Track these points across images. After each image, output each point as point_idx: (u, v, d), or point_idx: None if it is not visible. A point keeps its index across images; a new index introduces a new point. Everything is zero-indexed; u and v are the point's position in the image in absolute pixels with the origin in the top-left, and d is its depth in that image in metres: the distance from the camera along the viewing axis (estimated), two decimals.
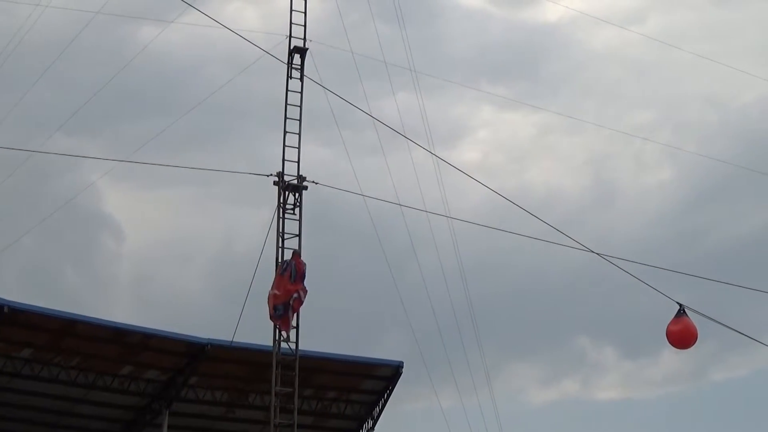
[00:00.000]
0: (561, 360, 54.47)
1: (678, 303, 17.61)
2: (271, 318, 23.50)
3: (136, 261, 51.55)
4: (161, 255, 51.25)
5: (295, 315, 23.66)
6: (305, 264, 23.72)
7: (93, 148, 44.16)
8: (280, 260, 24.00)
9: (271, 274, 23.85)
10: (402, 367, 30.22)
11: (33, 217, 35.43)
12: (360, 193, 24.15)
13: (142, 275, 50.97)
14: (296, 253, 23.89)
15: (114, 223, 50.77)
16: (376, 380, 30.75)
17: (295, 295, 23.48)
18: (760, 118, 54.61)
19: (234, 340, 24.91)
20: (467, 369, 26.89)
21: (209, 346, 27.08)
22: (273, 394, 23.38)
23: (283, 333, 23.73)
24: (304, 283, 23.52)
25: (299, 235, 24.31)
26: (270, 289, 23.46)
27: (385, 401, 31.31)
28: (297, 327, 23.87)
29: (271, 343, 23.90)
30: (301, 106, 24.69)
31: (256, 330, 25.30)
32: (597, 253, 19.01)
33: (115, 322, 27.08)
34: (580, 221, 53.28)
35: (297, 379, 23.59)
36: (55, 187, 42.53)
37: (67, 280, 47.01)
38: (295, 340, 23.90)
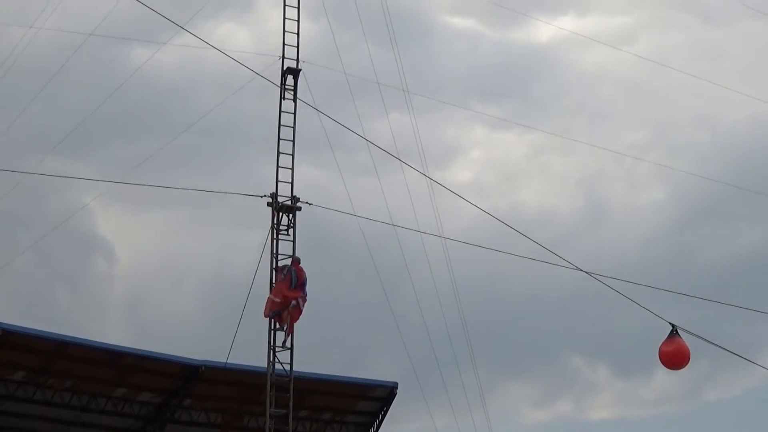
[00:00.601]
0: (554, 380, 54.46)
1: (671, 324, 17.67)
2: (265, 315, 23.53)
3: (128, 283, 51.48)
4: (154, 277, 51.18)
5: (293, 322, 23.58)
6: (305, 272, 23.74)
7: (85, 170, 44.10)
8: (274, 281, 23.99)
9: (264, 295, 23.87)
10: (397, 387, 30.17)
11: (25, 239, 35.30)
12: (353, 213, 24.28)
13: (135, 297, 50.86)
14: (296, 260, 23.92)
15: (106, 244, 50.68)
16: (371, 401, 30.69)
17: (294, 302, 23.53)
18: (750, 137, 55.02)
19: (228, 361, 24.71)
20: (461, 389, 26.97)
21: (203, 367, 27.02)
22: (267, 416, 23.39)
23: (278, 356, 23.80)
24: (305, 290, 23.56)
25: (293, 255, 24.24)
26: (269, 293, 23.59)
27: (380, 422, 31.23)
28: (291, 348, 23.87)
29: (266, 365, 23.85)
30: (294, 127, 24.80)
31: (250, 352, 25.44)
32: (587, 272, 19.08)
33: (108, 344, 27.01)
34: (573, 240, 53.44)
35: (291, 400, 23.61)
36: (47, 208, 42.50)
37: (59, 302, 46.93)
38: (289, 361, 23.91)
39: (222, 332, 27.76)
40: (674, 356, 17.90)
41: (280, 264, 24.09)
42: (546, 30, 56.65)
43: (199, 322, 49.56)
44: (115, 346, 27.13)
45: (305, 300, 23.60)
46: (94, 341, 26.87)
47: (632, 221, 56.71)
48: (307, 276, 23.77)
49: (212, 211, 49.04)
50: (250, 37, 46.12)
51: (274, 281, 23.84)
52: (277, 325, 23.79)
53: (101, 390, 27.18)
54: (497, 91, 56.13)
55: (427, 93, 28.82)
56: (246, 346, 24.85)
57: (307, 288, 23.95)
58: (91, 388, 27.01)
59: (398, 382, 30.16)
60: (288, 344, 23.83)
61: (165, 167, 29.31)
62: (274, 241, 24.25)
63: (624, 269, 20.61)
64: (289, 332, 23.82)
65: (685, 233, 56.08)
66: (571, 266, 19.51)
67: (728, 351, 19.23)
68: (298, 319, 23.67)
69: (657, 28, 58.81)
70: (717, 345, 18.66)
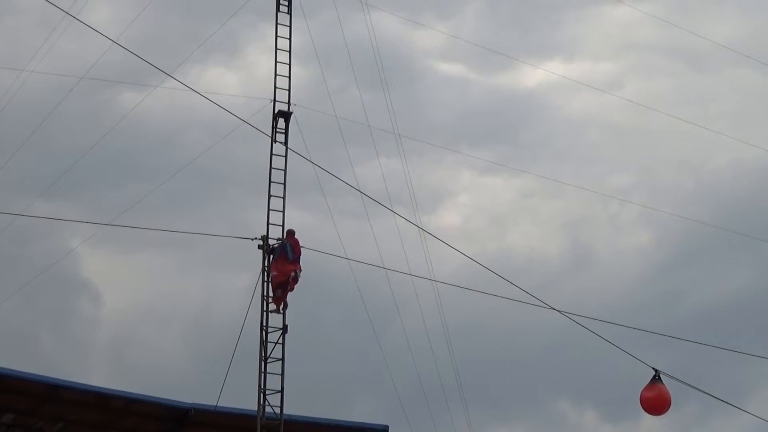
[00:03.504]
0: (542, 424, 54.51)
1: (653, 369, 17.84)
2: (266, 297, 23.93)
3: (114, 326, 51.63)
4: (141, 320, 51.26)
5: (286, 293, 24.00)
6: (300, 245, 24.13)
7: (73, 214, 44.41)
8: (265, 324, 24.22)
9: (255, 338, 24.07)
10: (387, 430, 29.69)
11: (12, 282, 35.31)
12: (345, 256, 24.52)
13: (121, 340, 50.96)
14: (291, 232, 24.20)
15: (93, 287, 50.77)
16: None
17: (293, 274, 23.85)
18: (734, 182, 55.98)
19: (218, 404, 24.82)
20: None
21: (193, 410, 26.72)
22: None
23: (268, 399, 23.79)
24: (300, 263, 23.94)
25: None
26: None
27: None
28: (282, 391, 24.00)
29: (256, 408, 23.95)
30: (285, 170, 25.05)
31: (239, 395, 25.43)
32: (568, 316, 19.29)
33: (98, 387, 26.87)
34: (559, 284, 53.89)
35: None
36: (34, 252, 42.63)
37: (44, 345, 46.95)
38: (279, 404, 24.02)
39: (210, 375, 27.92)
40: (655, 402, 18.09)
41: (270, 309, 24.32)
42: (533, 76, 57.82)
43: (187, 364, 49.64)
44: (105, 389, 26.93)
45: (301, 270, 23.97)
46: (83, 384, 26.71)
47: (617, 265, 57.40)
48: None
49: (199, 254, 49.47)
50: (238, 82, 46.83)
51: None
52: (272, 306, 24.10)
53: None
54: (485, 136, 57.10)
55: (416, 138, 29.11)
56: (236, 389, 24.90)
57: (296, 329, 24.46)
58: None
59: (389, 425, 29.77)
60: (281, 309, 24.09)
61: (153, 211, 29.62)
62: (265, 283, 24.37)
63: (610, 312, 20.82)
64: (285, 305, 24.14)
65: (670, 277, 56.70)
66: (553, 310, 19.85)
67: (714, 397, 19.41)
68: (294, 288, 24.00)
69: (643, 73, 59.92)
70: (702, 391, 18.81)
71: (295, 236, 24.42)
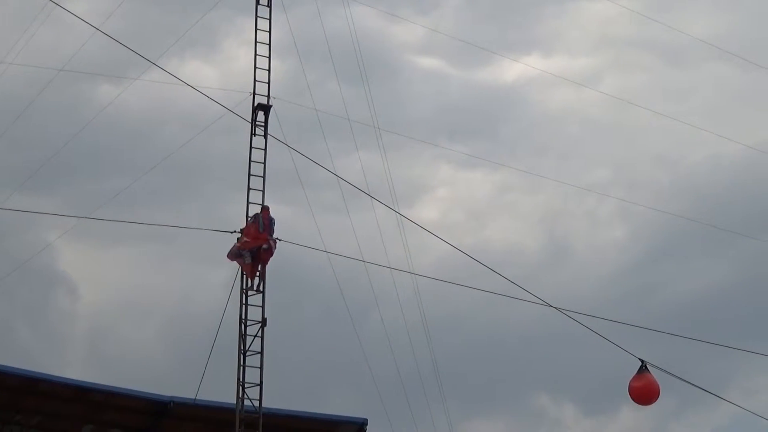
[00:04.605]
0: (521, 417, 54.88)
1: (640, 359, 18.05)
2: (228, 256, 24.07)
3: (92, 320, 51.60)
4: (118, 313, 51.15)
5: (264, 265, 24.18)
6: (273, 219, 24.36)
7: (50, 207, 44.28)
8: (244, 317, 24.33)
9: (234, 331, 24.20)
10: (366, 424, 29.75)
11: None
12: (324, 250, 24.54)
13: (99, 334, 50.94)
14: (265, 208, 24.44)
15: (70, 281, 50.68)
16: None
17: (265, 246, 23.98)
18: (709, 177, 56.60)
19: (197, 397, 24.89)
20: (431, 426, 27.20)
21: (172, 403, 26.71)
22: None
23: (247, 392, 23.84)
24: (274, 236, 24.12)
25: (263, 292, 24.60)
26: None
27: None
28: (261, 384, 24.09)
29: (235, 401, 24.02)
30: (265, 163, 25.09)
31: (218, 388, 25.49)
32: (557, 308, 19.36)
33: (76, 380, 26.73)
34: (536, 278, 54.12)
35: None
36: (10, 246, 42.47)
37: (21, 339, 46.75)
38: (258, 398, 24.10)
39: (189, 368, 27.92)
40: (644, 391, 18.30)
41: (249, 302, 24.43)
42: (512, 71, 58.33)
43: (166, 358, 49.74)
44: (84, 382, 26.83)
45: (276, 243, 24.10)
46: (63, 377, 26.69)
47: (595, 259, 57.93)
48: (274, 219, 24.44)
49: (178, 247, 49.46)
50: (216, 75, 46.94)
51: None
52: (249, 285, 24.30)
53: (69, 427, 26.86)
54: (464, 131, 57.21)
55: (395, 131, 29.26)
56: (215, 383, 25.02)
57: (275, 323, 24.58)
58: (59, 425, 26.69)
59: (368, 418, 29.83)
60: (260, 288, 24.27)
61: (131, 204, 29.55)
62: (244, 276, 24.44)
63: (587, 306, 20.95)
64: (262, 277, 24.32)
65: (646, 271, 57.18)
66: (541, 302, 19.89)
67: (697, 387, 19.56)
68: (268, 261, 24.17)
69: (621, 68, 60.39)
70: (685, 381, 18.99)
71: (269, 213, 24.56)
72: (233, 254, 24.30)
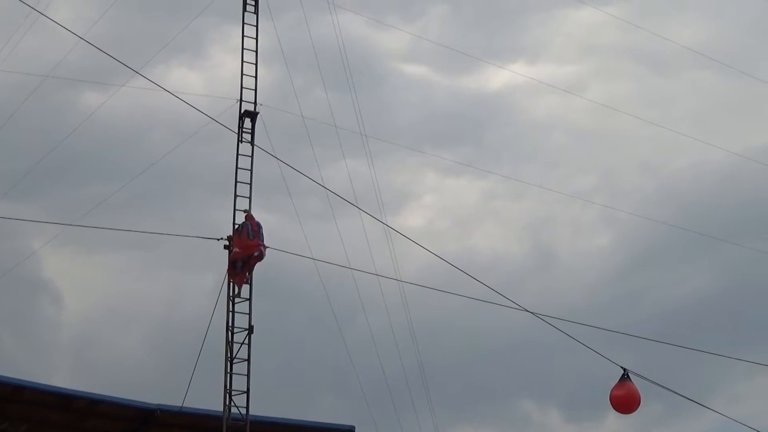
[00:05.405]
0: (507, 423, 55.23)
1: (622, 368, 18.08)
2: (229, 273, 24.29)
3: (77, 327, 51.78)
4: (104, 321, 51.29)
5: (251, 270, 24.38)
6: (260, 224, 24.47)
7: (35, 215, 44.11)
8: (231, 324, 24.44)
9: (221, 338, 24.28)
10: (354, 430, 29.84)
11: None
12: (311, 257, 24.67)
13: (84, 341, 51.07)
14: (250, 215, 24.60)
15: (54, 289, 50.77)
16: None
17: (257, 253, 24.17)
18: (693, 183, 57.33)
19: (184, 405, 24.94)
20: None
21: (159, 411, 26.76)
22: None
23: (234, 400, 23.99)
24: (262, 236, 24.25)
25: (250, 299, 24.78)
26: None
27: None
28: (248, 391, 24.20)
29: (221, 409, 24.10)
30: (251, 170, 25.25)
31: (205, 395, 25.60)
32: (537, 315, 19.53)
33: (62, 388, 26.84)
34: (522, 284, 54.82)
35: None
36: None
37: (6, 347, 46.74)
38: (245, 405, 24.16)
39: (176, 376, 28.03)
40: (625, 400, 18.28)
41: (236, 309, 24.56)
42: (498, 78, 58.85)
43: (152, 366, 49.78)
44: (71, 390, 26.93)
45: (266, 248, 24.27)
46: (49, 385, 26.75)
47: (579, 265, 58.41)
48: (260, 223, 24.58)
49: (164, 254, 49.55)
50: (203, 82, 47.10)
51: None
52: (235, 290, 24.52)
53: None
54: (450, 138, 57.80)
55: (381, 138, 29.50)
56: (201, 390, 25.08)
57: (262, 329, 24.74)
58: None
59: (355, 425, 29.97)
60: (246, 296, 24.52)
61: (116, 211, 29.66)
62: (231, 283, 24.56)
63: (572, 313, 21.17)
64: (249, 281, 24.62)
65: (631, 277, 57.79)
66: (519, 308, 20.06)
67: (680, 395, 19.70)
68: (254, 266, 24.48)
69: (606, 76, 61.04)
70: (668, 389, 19.11)
71: (255, 219, 24.70)
72: (231, 267, 24.47)
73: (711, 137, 56.49)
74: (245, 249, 24.21)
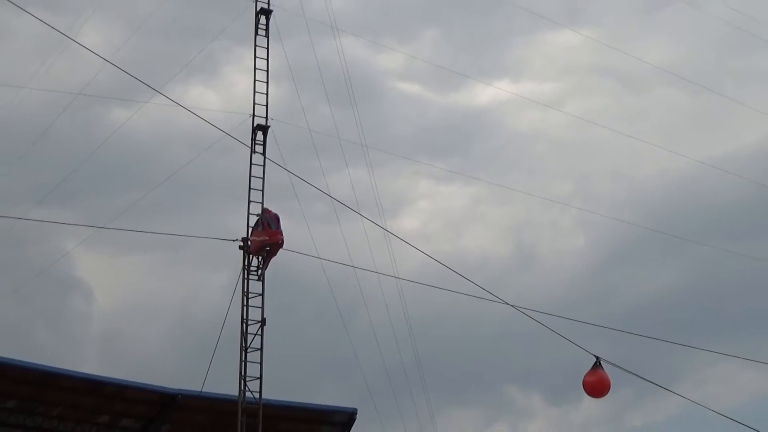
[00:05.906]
0: (493, 407, 57.25)
1: (595, 356, 19.46)
2: (254, 253, 25.61)
3: (106, 321, 53.29)
4: (130, 315, 52.80)
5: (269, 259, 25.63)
6: (278, 216, 25.80)
7: (68, 219, 44.83)
8: (245, 317, 25.72)
9: (236, 330, 25.63)
10: (356, 413, 31.41)
11: (10, 283, 36.61)
12: (318, 256, 25.98)
13: (113, 334, 52.54)
14: (265, 209, 25.98)
15: (86, 286, 52.46)
16: (333, 426, 31.90)
17: (280, 240, 25.48)
18: (661, 189, 59.34)
19: (203, 390, 26.15)
20: (414, 415, 28.75)
21: (180, 396, 28.20)
22: None
23: (248, 385, 25.40)
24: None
25: (262, 294, 26.01)
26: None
27: None
28: (261, 378, 25.49)
29: (237, 393, 25.52)
30: (263, 179, 26.48)
31: (222, 382, 26.92)
32: (517, 308, 20.94)
33: (93, 375, 28.38)
34: (506, 281, 57.21)
35: (261, 426, 25.28)
36: (32, 255, 43.98)
37: (40, 339, 48.32)
38: (258, 390, 25.53)
39: (195, 364, 29.47)
40: (596, 386, 19.75)
41: (250, 304, 25.90)
42: (484, 95, 61.60)
43: (174, 355, 51.39)
44: (99, 376, 28.41)
45: (283, 236, 25.59)
46: (80, 372, 28.14)
47: (558, 264, 60.98)
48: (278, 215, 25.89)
49: (184, 255, 51.20)
50: (218, 99, 48.46)
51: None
52: (260, 263, 25.75)
53: (86, 417, 28.34)
54: (442, 149, 60.37)
55: (380, 149, 30.89)
56: (219, 377, 26.31)
57: (273, 323, 25.98)
58: (77, 415, 28.16)
59: (357, 408, 31.48)
60: (259, 291, 25.69)
61: (141, 217, 30.85)
62: (245, 281, 25.88)
63: (551, 307, 22.51)
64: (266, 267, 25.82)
65: (604, 275, 60.42)
66: (507, 303, 21.18)
67: (647, 380, 20.89)
68: (276, 254, 25.65)
69: (583, 92, 63.51)
70: (638, 375, 20.26)
71: (272, 211, 25.98)
72: (256, 248, 25.68)
73: (677, 147, 58.89)
74: (272, 236, 25.33)
